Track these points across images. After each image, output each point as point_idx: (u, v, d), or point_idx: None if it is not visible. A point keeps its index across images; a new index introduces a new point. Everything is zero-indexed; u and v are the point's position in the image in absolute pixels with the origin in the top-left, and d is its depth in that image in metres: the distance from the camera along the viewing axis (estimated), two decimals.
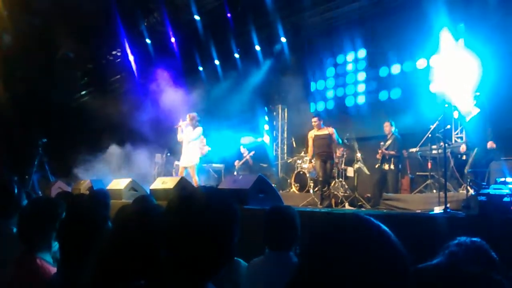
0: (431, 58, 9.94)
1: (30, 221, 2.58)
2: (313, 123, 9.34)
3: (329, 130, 9.29)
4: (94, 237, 2.00)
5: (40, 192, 10.01)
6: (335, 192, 10.12)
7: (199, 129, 9.57)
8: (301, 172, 11.48)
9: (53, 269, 2.36)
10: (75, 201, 4.11)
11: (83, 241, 2.03)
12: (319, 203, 9.28)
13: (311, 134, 9.41)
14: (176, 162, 12.21)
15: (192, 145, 9.56)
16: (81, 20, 11.81)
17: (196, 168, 9.52)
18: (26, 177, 10.70)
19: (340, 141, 9.56)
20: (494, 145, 6.81)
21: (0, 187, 3.24)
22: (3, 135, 13.02)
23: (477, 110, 7.10)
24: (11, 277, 2.45)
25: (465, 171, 7.43)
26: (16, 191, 3.20)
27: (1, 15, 11.22)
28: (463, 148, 7.59)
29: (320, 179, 9.19)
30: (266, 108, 14.60)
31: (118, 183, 8.46)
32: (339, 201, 9.83)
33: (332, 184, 10.59)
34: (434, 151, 8.58)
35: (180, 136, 9.67)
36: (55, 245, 2.49)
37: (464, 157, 7.74)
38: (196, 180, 9.24)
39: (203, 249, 1.35)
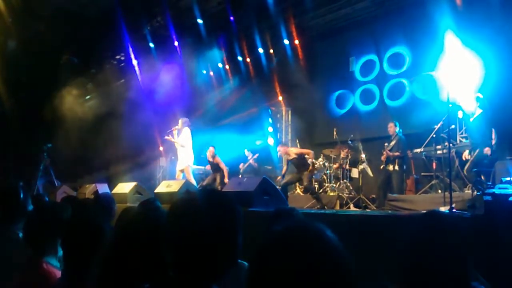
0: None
1: (36, 225, 2.59)
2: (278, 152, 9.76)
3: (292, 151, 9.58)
4: (98, 241, 2.00)
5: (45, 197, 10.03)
6: (340, 193, 10.11)
7: (186, 131, 9.82)
8: None
9: (59, 273, 2.37)
10: (80, 205, 4.12)
11: (88, 245, 2.04)
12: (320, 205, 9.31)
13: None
14: None
15: (185, 148, 9.78)
16: (85, 24, 11.85)
17: (191, 169, 9.72)
18: (32, 182, 10.72)
19: None
20: (489, 152, 6.81)
21: (6, 192, 3.26)
22: (8, 141, 13.06)
23: (480, 111, 7.10)
24: (18, 282, 2.46)
25: (465, 171, 7.42)
26: (22, 196, 3.22)
27: (5, 21, 11.27)
28: (465, 155, 7.55)
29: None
30: (270, 111, 14.60)
31: (123, 187, 8.50)
32: (344, 202, 9.81)
33: (337, 185, 10.61)
34: (438, 151, 8.57)
35: (176, 143, 9.96)
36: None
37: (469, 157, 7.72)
38: (191, 180, 9.37)
39: (206, 251, 1.35)
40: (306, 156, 9.34)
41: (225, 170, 10.89)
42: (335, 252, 1.02)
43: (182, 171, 9.80)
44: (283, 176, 9.76)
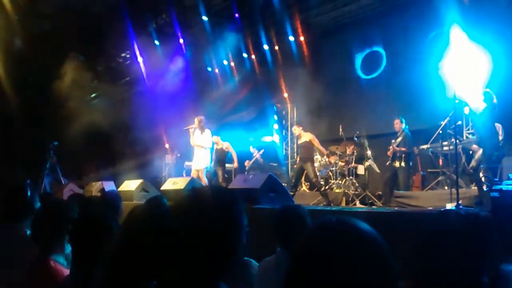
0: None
1: (43, 223, 2.61)
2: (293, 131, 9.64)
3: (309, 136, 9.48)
4: (105, 238, 2.01)
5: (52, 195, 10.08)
6: (346, 190, 10.10)
7: (208, 133, 9.69)
8: None
9: (67, 271, 2.38)
10: (86, 203, 4.14)
11: (95, 242, 2.05)
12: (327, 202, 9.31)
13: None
14: (186, 163, 12.32)
15: (204, 150, 9.68)
16: (91, 22, 11.88)
17: (204, 171, 9.66)
18: (38, 180, 10.78)
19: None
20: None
21: (13, 190, 3.27)
22: (15, 139, 13.13)
23: (485, 105, 7.05)
24: (25, 280, 2.47)
25: (470, 167, 7.39)
26: (29, 194, 3.23)
27: (11, 19, 11.32)
28: (474, 147, 7.55)
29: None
30: (275, 107, 14.59)
31: (129, 185, 8.51)
32: (350, 199, 9.80)
33: (343, 182, 10.59)
34: (445, 148, 8.52)
35: (192, 140, 9.76)
36: (68, 247, 2.51)
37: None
38: (205, 183, 9.30)
39: (211, 248, 1.36)
40: (318, 150, 9.37)
41: (234, 154, 10.96)
42: (379, 248, 1.03)
43: (198, 171, 9.73)
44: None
